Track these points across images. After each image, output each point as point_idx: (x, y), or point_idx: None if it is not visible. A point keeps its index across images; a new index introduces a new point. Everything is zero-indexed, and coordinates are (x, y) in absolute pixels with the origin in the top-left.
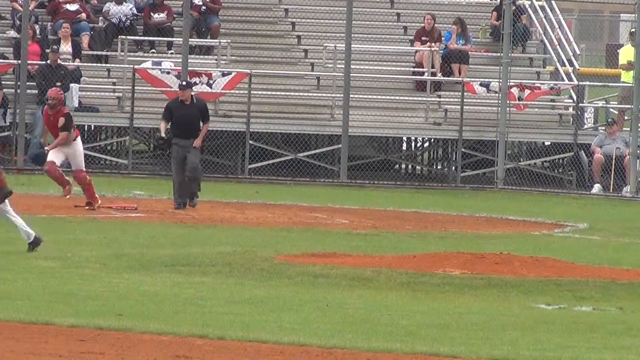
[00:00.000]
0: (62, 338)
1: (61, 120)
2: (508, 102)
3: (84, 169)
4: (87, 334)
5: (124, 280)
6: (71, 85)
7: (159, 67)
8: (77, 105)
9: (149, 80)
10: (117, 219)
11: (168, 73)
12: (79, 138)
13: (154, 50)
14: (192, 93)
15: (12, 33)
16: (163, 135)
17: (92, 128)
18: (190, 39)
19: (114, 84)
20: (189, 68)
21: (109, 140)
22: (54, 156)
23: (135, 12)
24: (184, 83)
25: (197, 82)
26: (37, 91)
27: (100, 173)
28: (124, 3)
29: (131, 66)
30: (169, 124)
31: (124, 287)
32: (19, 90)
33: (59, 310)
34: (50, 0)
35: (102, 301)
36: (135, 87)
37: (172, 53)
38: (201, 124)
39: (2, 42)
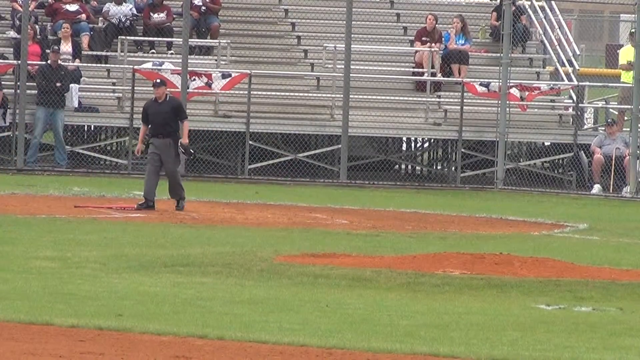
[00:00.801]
0: (62, 338)
1: None
2: (508, 102)
3: None
4: (87, 334)
5: (123, 281)
6: (71, 85)
7: (159, 67)
8: (77, 106)
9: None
10: (117, 219)
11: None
12: None
13: (153, 51)
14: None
15: (12, 33)
16: (140, 148)
17: (92, 128)
18: (190, 39)
19: (113, 84)
20: (188, 68)
21: (108, 141)
22: None
23: (135, 12)
24: (158, 81)
25: (195, 79)
26: (37, 91)
27: (101, 173)
28: (124, 3)
29: (131, 66)
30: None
31: (123, 287)
32: (18, 91)
33: (59, 310)
34: (53, 1)
35: (102, 301)
36: (135, 88)
37: (171, 53)
38: (179, 123)
39: (2, 43)
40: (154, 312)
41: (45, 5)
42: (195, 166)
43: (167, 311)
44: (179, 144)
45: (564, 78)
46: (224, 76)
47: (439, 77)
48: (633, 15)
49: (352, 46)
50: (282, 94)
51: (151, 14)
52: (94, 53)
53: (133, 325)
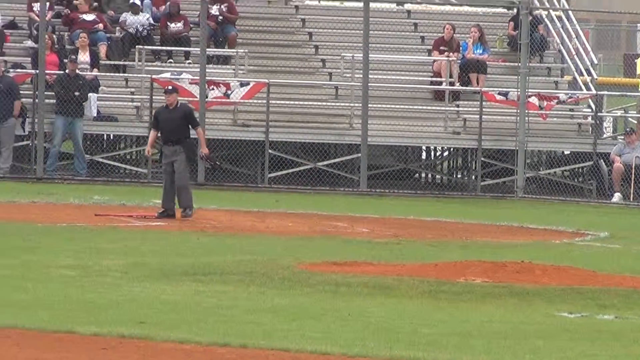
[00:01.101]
0: (84, 346)
1: None
2: (527, 111)
3: None
4: (110, 342)
5: (145, 289)
6: (89, 94)
7: (177, 77)
8: (95, 115)
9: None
10: (138, 227)
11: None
12: None
13: (171, 60)
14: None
15: (30, 43)
16: (151, 152)
17: (111, 137)
18: (207, 49)
19: (132, 93)
20: (206, 78)
21: (128, 150)
22: None
23: (152, 22)
24: (170, 88)
25: (213, 88)
26: (55, 101)
27: (121, 182)
28: (141, 13)
29: (149, 76)
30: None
31: (145, 295)
32: (37, 100)
33: (81, 318)
34: (70, 11)
35: (123, 310)
36: (154, 97)
37: (189, 63)
38: (190, 131)
39: (20, 52)
40: (175, 320)
41: (62, 15)
42: (215, 175)
43: (189, 320)
44: (201, 156)
45: (582, 87)
46: (242, 85)
47: (457, 87)
48: None
49: (369, 56)
50: (301, 103)
51: (168, 23)
52: (112, 62)
53: (155, 334)
